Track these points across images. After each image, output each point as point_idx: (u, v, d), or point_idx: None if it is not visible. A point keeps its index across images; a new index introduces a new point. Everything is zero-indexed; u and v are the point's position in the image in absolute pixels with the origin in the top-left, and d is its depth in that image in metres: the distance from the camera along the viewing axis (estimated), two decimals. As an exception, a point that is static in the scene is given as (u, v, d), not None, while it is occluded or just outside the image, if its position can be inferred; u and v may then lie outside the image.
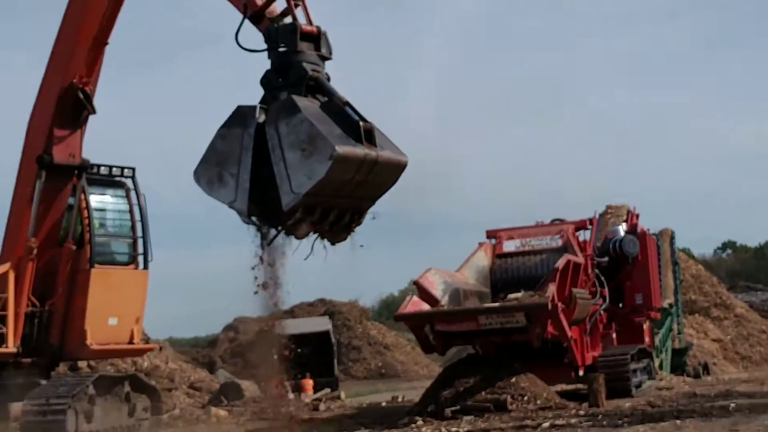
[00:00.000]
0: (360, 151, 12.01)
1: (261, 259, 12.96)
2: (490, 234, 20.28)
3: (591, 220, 22.79)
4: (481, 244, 20.34)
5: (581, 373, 19.37)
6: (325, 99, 12.46)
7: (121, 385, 17.82)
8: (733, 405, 13.86)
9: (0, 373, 17.26)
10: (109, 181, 18.14)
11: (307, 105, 12.20)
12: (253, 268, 12.95)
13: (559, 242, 20.08)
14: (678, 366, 29.71)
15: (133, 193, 18.20)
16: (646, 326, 23.05)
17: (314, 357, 41.59)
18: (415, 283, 18.33)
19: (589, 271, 20.56)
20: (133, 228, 18.16)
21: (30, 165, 17.13)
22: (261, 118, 12.28)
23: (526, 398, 16.56)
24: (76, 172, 17.45)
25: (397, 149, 12.54)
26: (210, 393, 26.64)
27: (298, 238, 12.61)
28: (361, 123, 12.08)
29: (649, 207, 50.43)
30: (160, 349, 29.09)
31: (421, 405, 17.32)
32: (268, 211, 12.45)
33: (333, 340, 43.69)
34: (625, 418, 13.42)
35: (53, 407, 15.75)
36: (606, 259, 22.21)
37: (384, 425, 16.53)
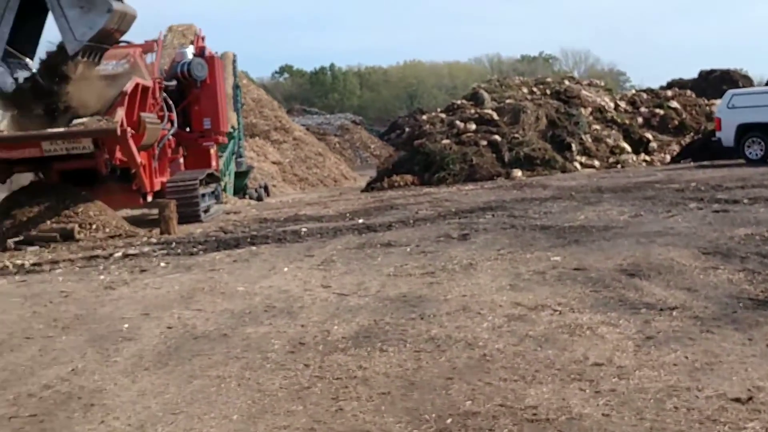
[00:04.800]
0: (121, 6, 16.48)
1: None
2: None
3: (157, 42, 22.16)
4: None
5: (150, 199, 19.09)
6: None
7: None
8: (304, 230, 14.19)
9: None
10: None
11: None
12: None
13: (127, 66, 19.29)
14: (240, 188, 30.19)
15: None
16: (213, 151, 23.08)
17: None
18: (-36, 105, 16.95)
19: (157, 95, 20.03)
20: None
21: None
22: None
23: (94, 227, 16.01)
24: None
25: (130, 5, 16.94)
26: None
27: (73, 76, 16.74)
28: None
29: (212, 29, 50.18)
30: None
31: (-20, 236, 16.25)
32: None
33: None
34: (200, 246, 13.32)
35: None
36: (174, 83, 21.79)
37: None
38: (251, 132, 44.70)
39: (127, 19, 16.96)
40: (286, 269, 10.45)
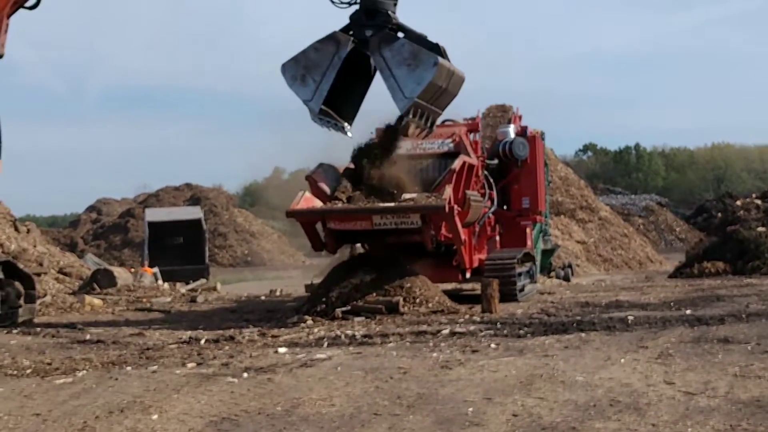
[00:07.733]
0: (448, 64, 16.07)
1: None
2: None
3: (478, 120, 22.57)
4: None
5: (468, 275, 19.32)
6: (404, 35, 16.23)
7: (-6, 272, 16.94)
8: (631, 318, 13.87)
9: None
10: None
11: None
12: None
13: (452, 145, 19.70)
14: (545, 267, 30.03)
15: None
16: (528, 230, 23.10)
17: (184, 245, 41.16)
18: (307, 178, 17.77)
19: (480, 173, 20.34)
20: None
21: None
22: (349, 47, 16.39)
23: (418, 301, 16.31)
24: None
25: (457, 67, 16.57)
26: (80, 279, 25.70)
27: (406, 136, 17.19)
28: (440, 45, 16.05)
29: (520, 105, 50.54)
30: (28, 231, 27.94)
31: (310, 304, 16.93)
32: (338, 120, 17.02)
33: (205, 227, 43.19)
34: (526, 328, 13.27)
35: None
36: (495, 161, 22.06)
37: (271, 323, 16.10)
38: (556, 210, 44.64)
39: (455, 79, 16.60)
40: (622, 360, 10.19)
